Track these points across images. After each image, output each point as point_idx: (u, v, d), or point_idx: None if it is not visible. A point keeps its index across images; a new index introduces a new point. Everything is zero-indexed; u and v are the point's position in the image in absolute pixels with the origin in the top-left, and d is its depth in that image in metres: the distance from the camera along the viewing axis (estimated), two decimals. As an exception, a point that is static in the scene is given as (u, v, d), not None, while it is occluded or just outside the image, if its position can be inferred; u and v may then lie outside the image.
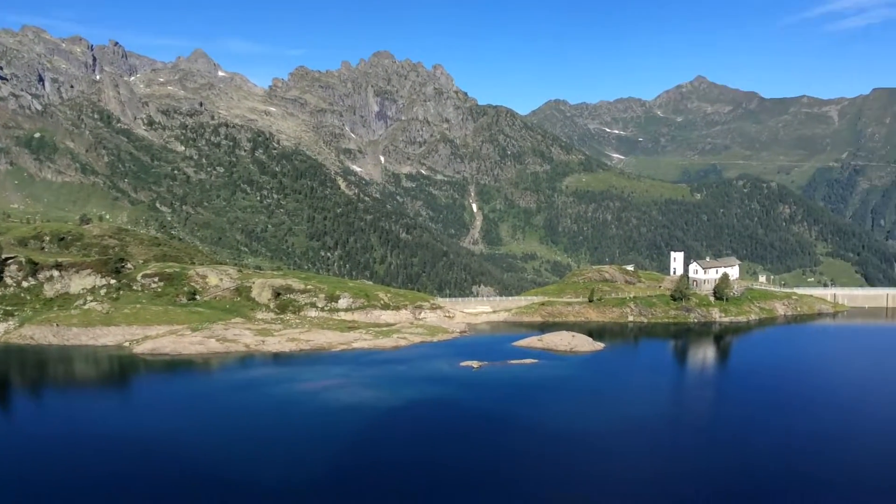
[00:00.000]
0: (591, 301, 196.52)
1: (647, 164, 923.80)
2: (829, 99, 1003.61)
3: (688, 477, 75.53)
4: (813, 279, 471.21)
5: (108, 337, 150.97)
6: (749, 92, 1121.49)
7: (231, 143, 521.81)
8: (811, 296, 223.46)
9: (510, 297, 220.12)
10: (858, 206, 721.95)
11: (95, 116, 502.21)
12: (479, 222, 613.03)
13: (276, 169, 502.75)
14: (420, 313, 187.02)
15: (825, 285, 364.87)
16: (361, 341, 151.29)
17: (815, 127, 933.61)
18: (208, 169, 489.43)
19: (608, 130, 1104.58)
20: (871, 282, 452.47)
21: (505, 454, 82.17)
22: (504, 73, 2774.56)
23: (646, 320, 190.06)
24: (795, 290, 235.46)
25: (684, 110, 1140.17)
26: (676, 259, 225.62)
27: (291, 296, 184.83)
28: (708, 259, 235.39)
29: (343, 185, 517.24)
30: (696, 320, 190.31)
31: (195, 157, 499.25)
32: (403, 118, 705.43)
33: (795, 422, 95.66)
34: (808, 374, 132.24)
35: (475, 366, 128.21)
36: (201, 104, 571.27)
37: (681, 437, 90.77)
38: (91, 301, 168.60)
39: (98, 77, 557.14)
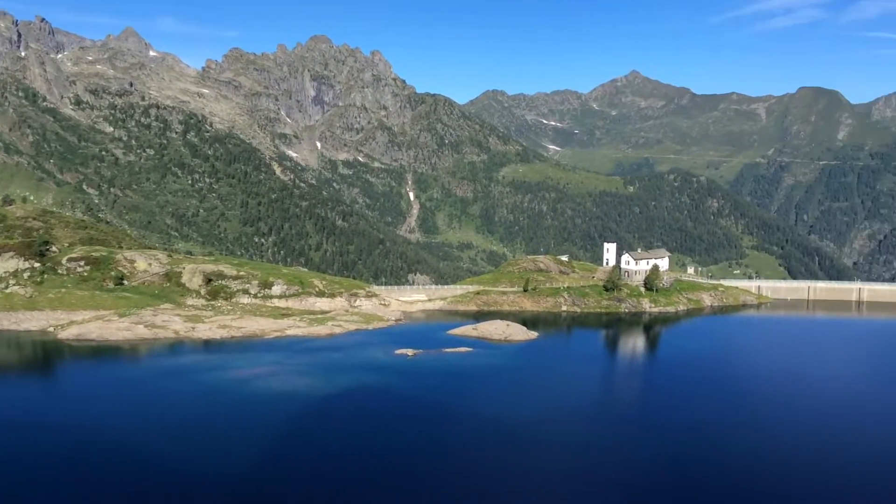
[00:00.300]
0: (525, 291, 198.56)
1: (582, 156, 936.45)
2: (757, 96, 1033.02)
3: (616, 465, 77.17)
4: (739, 271, 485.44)
5: (32, 322, 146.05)
6: (681, 87, 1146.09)
7: (162, 125, 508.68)
8: (737, 287, 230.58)
9: (446, 286, 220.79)
10: (783, 201, 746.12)
11: (20, 94, 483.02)
12: (415, 211, 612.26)
13: (209, 152, 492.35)
14: (355, 301, 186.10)
15: (750, 277, 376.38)
16: (295, 328, 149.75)
17: (744, 123, 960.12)
18: (138, 151, 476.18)
19: (545, 122, 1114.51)
20: (793, 275, 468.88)
21: (439, 443, 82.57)
22: (443, 62, 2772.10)
23: (579, 310, 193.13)
24: (722, 281, 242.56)
25: (619, 104, 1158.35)
26: (609, 250, 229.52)
27: (223, 282, 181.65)
28: (639, 250, 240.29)
29: (278, 171, 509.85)
30: (627, 310, 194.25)
31: (124, 139, 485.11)
32: (341, 104, 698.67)
33: (717, 411, 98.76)
34: (731, 365, 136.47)
35: (410, 354, 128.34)
36: (131, 84, 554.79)
37: (610, 426, 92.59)
38: (14, 285, 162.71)
39: (23, 54, 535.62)
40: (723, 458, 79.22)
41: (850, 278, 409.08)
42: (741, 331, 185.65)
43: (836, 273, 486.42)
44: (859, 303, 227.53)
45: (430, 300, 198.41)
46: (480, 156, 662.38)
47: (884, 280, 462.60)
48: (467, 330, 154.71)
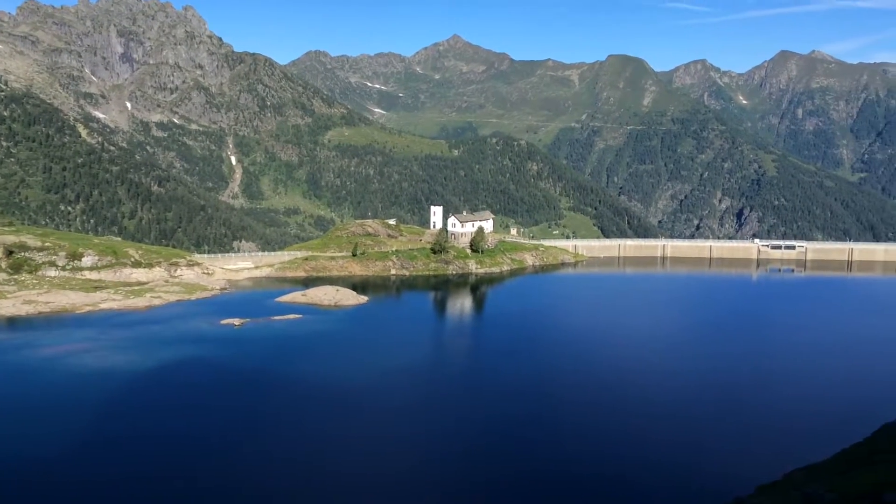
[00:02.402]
0: (354, 255, 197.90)
1: (407, 119, 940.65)
2: (570, 63, 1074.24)
3: (447, 428, 78.99)
4: (557, 232, 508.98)
5: None
6: (501, 53, 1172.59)
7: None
8: (556, 247, 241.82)
9: (273, 253, 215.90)
10: (596, 164, 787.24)
11: None
12: (238, 175, 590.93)
13: (5, 114, 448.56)
14: (176, 271, 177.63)
15: (568, 237, 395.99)
16: (110, 302, 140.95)
17: (559, 89, 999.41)
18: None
19: (369, 85, 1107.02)
20: (606, 234, 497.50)
21: (264, 414, 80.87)
22: (261, 20, 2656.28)
23: (408, 273, 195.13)
24: (542, 242, 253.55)
25: (442, 68, 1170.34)
26: (436, 213, 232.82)
27: (27, 254, 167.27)
28: (465, 213, 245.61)
29: (84, 133, 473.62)
30: (454, 272, 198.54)
31: None
32: (152, 62, 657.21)
33: (543, 367, 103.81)
34: (553, 322, 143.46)
35: (237, 323, 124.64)
36: None
37: (441, 388, 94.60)
38: None
39: None
40: (551, 414, 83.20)
41: (655, 236, 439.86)
42: (560, 288, 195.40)
43: (643, 231, 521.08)
44: (663, 258, 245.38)
45: (256, 267, 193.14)
46: (305, 119, 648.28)
47: (684, 237, 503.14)
48: (296, 296, 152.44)
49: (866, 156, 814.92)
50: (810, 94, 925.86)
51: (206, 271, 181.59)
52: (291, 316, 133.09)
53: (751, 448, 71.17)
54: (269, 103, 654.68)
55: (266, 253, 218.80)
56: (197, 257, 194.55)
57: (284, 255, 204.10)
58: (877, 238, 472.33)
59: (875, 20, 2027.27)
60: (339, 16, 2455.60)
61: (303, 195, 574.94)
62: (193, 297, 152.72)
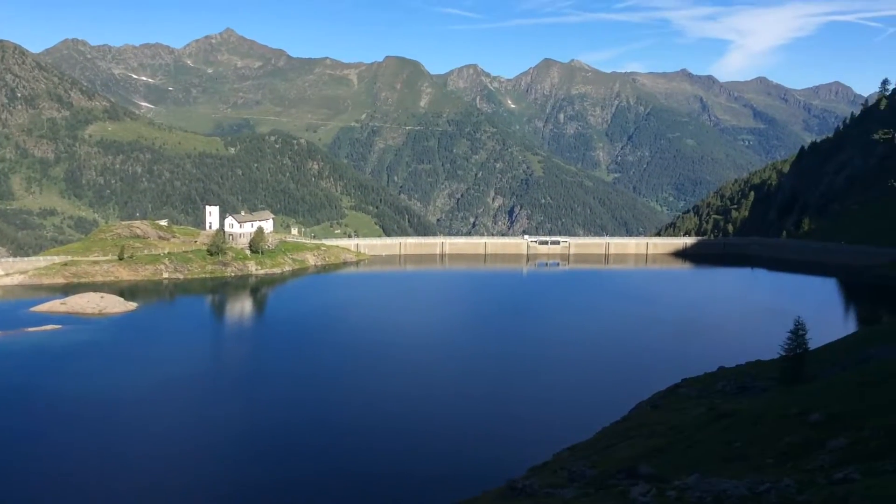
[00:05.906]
0: (121, 259, 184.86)
1: (178, 114, 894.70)
2: (349, 63, 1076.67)
3: (217, 435, 75.93)
4: (339, 231, 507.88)
5: None
6: (277, 49, 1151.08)
7: None
8: (338, 246, 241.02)
9: (26, 258, 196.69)
10: (376, 163, 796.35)
11: None
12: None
13: None
14: None
15: (350, 236, 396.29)
16: None
17: (338, 88, 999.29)
18: None
19: (135, 77, 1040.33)
20: (388, 232, 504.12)
21: (16, 436, 73.08)
22: (9, 3, 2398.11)
23: (182, 276, 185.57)
24: (324, 241, 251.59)
25: (215, 62, 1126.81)
26: (212, 213, 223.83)
27: None
28: (243, 213, 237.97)
29: None
30: (233, 274, 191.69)
31: None
32: None
33: (317, 368, 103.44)
34: (332, 321, 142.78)
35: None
36: None
37: (218, 397, 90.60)
38: None
39: None
40: (329, 417, 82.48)
41: (434, 234, 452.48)
42: (342, 288, 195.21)
43: (423, 229, 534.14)
44: (443, 255, 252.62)
45: (7, 275, 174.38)
46: (62, 112, 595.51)
47: (461, 234, 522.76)
48: (55, 305, 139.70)
49: (619, 158, 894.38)
50: (571, 101, 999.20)
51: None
52: (49, 327, 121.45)
53: (523, 434, 74.64)
54: (19, 95, 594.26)
55: (18, 258, 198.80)
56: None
57: (40, 261, 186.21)
58: (629, 233, 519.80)
59: (626, 32, 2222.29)
60: (98, 2, 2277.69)
61: (60, 195, 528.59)
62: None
